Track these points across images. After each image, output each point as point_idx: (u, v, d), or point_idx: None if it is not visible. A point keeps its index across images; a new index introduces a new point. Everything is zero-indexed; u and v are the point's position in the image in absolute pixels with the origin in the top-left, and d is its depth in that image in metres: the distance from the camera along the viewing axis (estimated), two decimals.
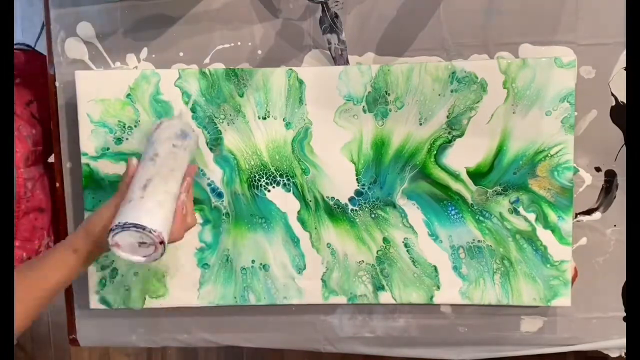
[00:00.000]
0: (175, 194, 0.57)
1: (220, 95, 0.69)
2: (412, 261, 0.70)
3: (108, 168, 0.70)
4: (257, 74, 0.69)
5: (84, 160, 0.70)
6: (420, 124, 0.68)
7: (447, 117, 0.68)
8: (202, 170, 0.70)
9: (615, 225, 0.70)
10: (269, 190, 0.70)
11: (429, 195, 0.69)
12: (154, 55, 0.71)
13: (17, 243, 0.71)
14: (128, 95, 0.69)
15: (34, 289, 0.54)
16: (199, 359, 1.46)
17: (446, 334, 0.73)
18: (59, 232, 0.76)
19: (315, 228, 0.70)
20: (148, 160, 0.58)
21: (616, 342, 0.72)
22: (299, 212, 0.70)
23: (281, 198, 0.70)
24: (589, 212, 0.70)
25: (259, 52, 0.71)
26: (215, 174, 0.70)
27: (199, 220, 0.71)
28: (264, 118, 0.69)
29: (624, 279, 0.71)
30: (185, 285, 0.72)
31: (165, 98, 0.69)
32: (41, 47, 0.76)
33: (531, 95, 0.66)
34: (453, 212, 0.69)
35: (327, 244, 0.71)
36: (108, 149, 0.70)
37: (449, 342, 0.73)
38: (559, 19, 0.68)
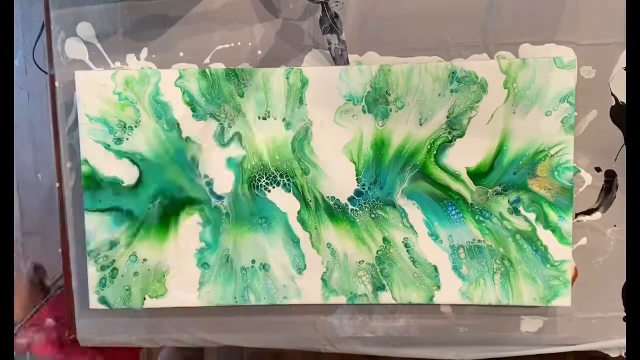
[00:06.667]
0: None
1: (220, 96, 0.69)
2: (412, 261, 0.70)
3: (108, 168, 0.70)
4: (257, 74, 0.69)
5: (83, 160, 0.70)
6: (421, 124, 0.68)
7: (447, 117, 0.68)
8: (206, 175, 0.70)
9: (615, 225, 0.70)
10: (269, 191, 0.70)
11: (429, 195, 0.69)
12: (154, 55, 0.71)
13: None
14: (128, 95, 0.69)
15: None
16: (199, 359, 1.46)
17: (446, 334, 0.73)
18: (60, 232, 0.76)
19: (316, 228, 0.70)
20: None
21: (616, 342, 0.72)
22: (299, 212, 0.70)
23: (281, 198, 0.70)
24: (589, 212, 0.70)
25: (259, 52, 0.71)
26: (227, 177, 0.70)
27: (199, 220, 0.71)
28: (264, 118, 0.69)
29: (624, 279, 0.71)
30: (185, 285, 0.72)
31: (166, 98, 0.69)
32: (41, 47, 0.76)
33: (531, 95, 0.67)
34: (453, 212, 0.69)
35: (327, 244, 0.71)
36: (109, 147, 0.70)
37: (449, 342, 0.73)
38: (559, 19, 0.68)
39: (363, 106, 0.68)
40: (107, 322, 0.76)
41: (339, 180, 0.70)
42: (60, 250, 0.76)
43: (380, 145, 0.69)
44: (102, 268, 0.72)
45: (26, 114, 1.45)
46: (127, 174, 0.71)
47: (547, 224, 0.68)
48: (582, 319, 0.72)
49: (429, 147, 0.68)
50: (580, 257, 0.71)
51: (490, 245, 0.69)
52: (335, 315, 0.74)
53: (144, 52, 0.72)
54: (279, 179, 0.70)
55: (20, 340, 0.80)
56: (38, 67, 0.84)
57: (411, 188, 0.69)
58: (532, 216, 0.68)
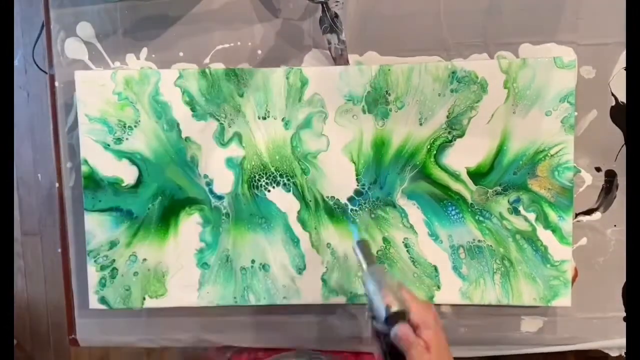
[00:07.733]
0: None
1: (220, 95, 0.69)
2: (412, 261, 0.70)
3: (108, 168, 0.70)
4: (257, 74, 0.69)
5: (83, 160, 0.70)
6: (421, 124, 0.68)
7: (447, 117, 0.68)
8: (205, 175, 0.70)
9: (615, 226, 0.70)
10: (269, 191, 0.70)
11: (429, 195, 0.69)
12: (153, 55, 0.71)
13: None
14: (128, 95, 0.69)
15: None
16: (199, 359, 1.46)
17: (446, 334, 0.73)
18: (60, 232, 0.76)
19: (315, 228, 0.70)
20: None
21: (616, 342, 0.72)
22: (299, 212, 0.70)
23: (281, 198, 0.70)
24: (589, 212, 0.70)
25: (259, 52, 0.71)
26: (226, 177, 0.70)
27: (199, 220, 0.71)
28: (264, 118, 0.69)
29: (624, 279, 0.71)
30: (185, 285, 0.72)
31: (165, 98, 0.69)
32: (41, 47, 0.76)
33: (531, 95, 0.66)
34: (453, 212, 0.69)
35: (327, 244, 0.71)
36: (108, 147, 0.70)
37: (449, 342, 0.73)
38: (559, 19, 0.68)
39: (363, 106, 0.68)
40: (107, 322, 0.76)
41: (338, 180, 0.70)
42: (60, 250, 0.76)
43: (380, 145, 0.69)
44: (102, 268, 0.72)
45: (26, 114, 1.45)
46: (127, 174, 0.71)
47: (547, 224, 0.68)
48: (582, 319, 0.72)
49: (429, 147, 0.68)
50: (580, 257, 0.71)
51: (490, 246, 0.69)
52: (335, 315, 0.74)
53: (144, 52, 0.72)
54: (279, 179, 0.70)
55: None
56: (38, 67, 0.84)
57: (411, 188, 0.69)
58: (532, 216, 0.68)
